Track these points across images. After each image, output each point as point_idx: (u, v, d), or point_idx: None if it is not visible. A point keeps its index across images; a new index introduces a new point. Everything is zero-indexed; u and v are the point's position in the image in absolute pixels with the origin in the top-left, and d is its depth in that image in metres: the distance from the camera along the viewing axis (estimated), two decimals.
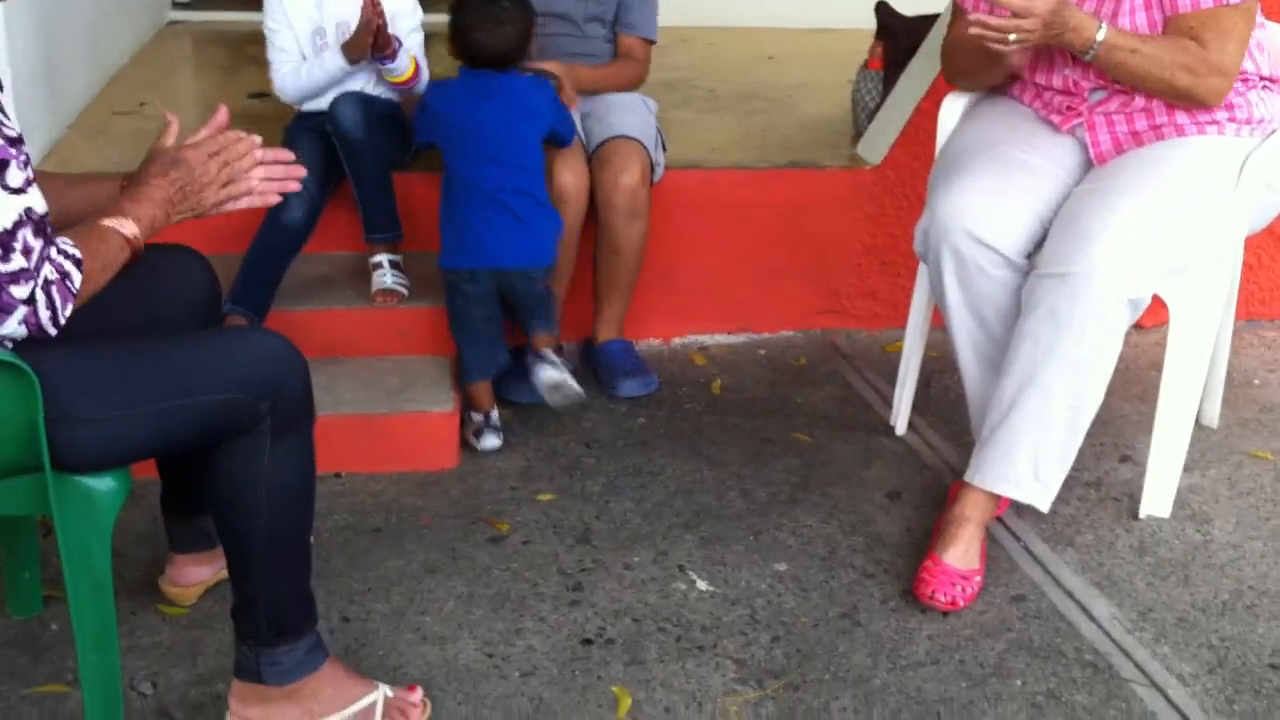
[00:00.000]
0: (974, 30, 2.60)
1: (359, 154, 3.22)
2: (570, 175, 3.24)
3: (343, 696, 2.21)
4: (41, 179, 2.01)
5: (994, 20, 2.57)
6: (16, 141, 1.89)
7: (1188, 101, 2.70)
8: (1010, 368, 2.62)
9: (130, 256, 1.98)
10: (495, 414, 3.17)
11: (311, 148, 3.23)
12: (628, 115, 3.41)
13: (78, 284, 1.88)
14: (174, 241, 2.41)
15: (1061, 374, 2.57)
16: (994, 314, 2.73)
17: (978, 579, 2.63)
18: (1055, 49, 2.77)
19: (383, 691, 2.24)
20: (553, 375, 3.12)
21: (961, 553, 2.62)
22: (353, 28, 3.24)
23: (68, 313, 1.88)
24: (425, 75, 3.36)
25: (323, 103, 3.29)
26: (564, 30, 3.47)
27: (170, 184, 2.04)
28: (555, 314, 3.23)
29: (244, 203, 2.14)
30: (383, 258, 3.30)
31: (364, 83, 3.33)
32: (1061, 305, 2.55)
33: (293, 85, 3.33)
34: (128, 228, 1.97)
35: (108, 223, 1.97)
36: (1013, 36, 2.57)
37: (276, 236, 3.21)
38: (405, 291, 3.28)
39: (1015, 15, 2.55)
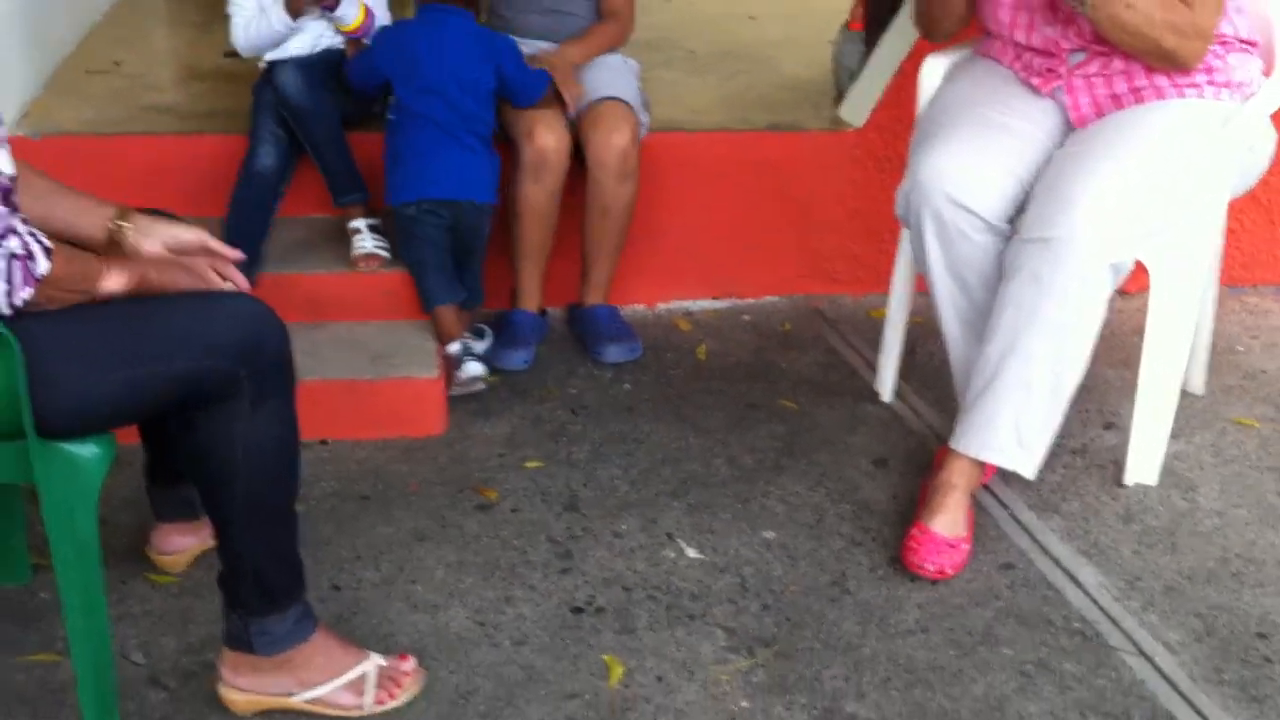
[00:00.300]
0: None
1: (307, 120, 3.21)
2: (552, 138, 3.22)
3: (334, 665, 2.20)
4: (31, 176, 2.00)
5: None
6: None
7: (1168, 64, 2.70)
8: (993, 334, 2.63)
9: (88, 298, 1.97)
10: (480, 347, 3.18)
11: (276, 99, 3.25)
12: (613, 76, 3.39)
13: (40, 271, 1.85)
14: (154, 205, 2.39)
15: (1044, 339, 2.57)
16: (976, 278, 2.73)
17: (965, 546, 2.64)
18: (1037, 7, 2.76)
19: (374, 660, 2.23)
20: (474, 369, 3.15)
21: (948, 520, 2.63)
22: None
23: (24, 296, 1.85)
24: (378, 22, 3.34)
25: (285, 53, 3.29)
26: None
27: (158, 272, 2.05)
28: (480, 286, 3.30)
29: None
30: (360, 222, 3.27)
31: (316, 37, 3.31)
32: (1043, 270, 2.55)
33: (244, 39, 3.33)
34: (113, 281, 1.98)
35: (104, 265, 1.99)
36: None
37: (252, 185, 3.23)
38: (386, 255, 3.25)
39: None
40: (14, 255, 1.82)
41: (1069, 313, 2.56)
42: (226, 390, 2.01)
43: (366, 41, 3.32)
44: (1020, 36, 2.84)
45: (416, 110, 3.14)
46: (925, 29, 3.06)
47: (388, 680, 2.23)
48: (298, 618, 2.18)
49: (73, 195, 2.14)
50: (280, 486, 2.14)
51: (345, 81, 3.31)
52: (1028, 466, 2.66)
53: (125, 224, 2.12)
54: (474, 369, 3.12)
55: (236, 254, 2.20)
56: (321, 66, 3.27)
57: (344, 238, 3.30)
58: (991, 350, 2.62)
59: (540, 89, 3.25)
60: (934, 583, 2.58)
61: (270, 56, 3.32)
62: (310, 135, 3.23)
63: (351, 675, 2.21)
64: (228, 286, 2.13)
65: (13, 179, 1.88)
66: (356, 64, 3.26)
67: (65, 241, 1.96)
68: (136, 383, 1.96)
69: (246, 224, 3.18)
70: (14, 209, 1.84)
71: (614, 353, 3.39)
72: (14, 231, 1.82)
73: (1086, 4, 2.61)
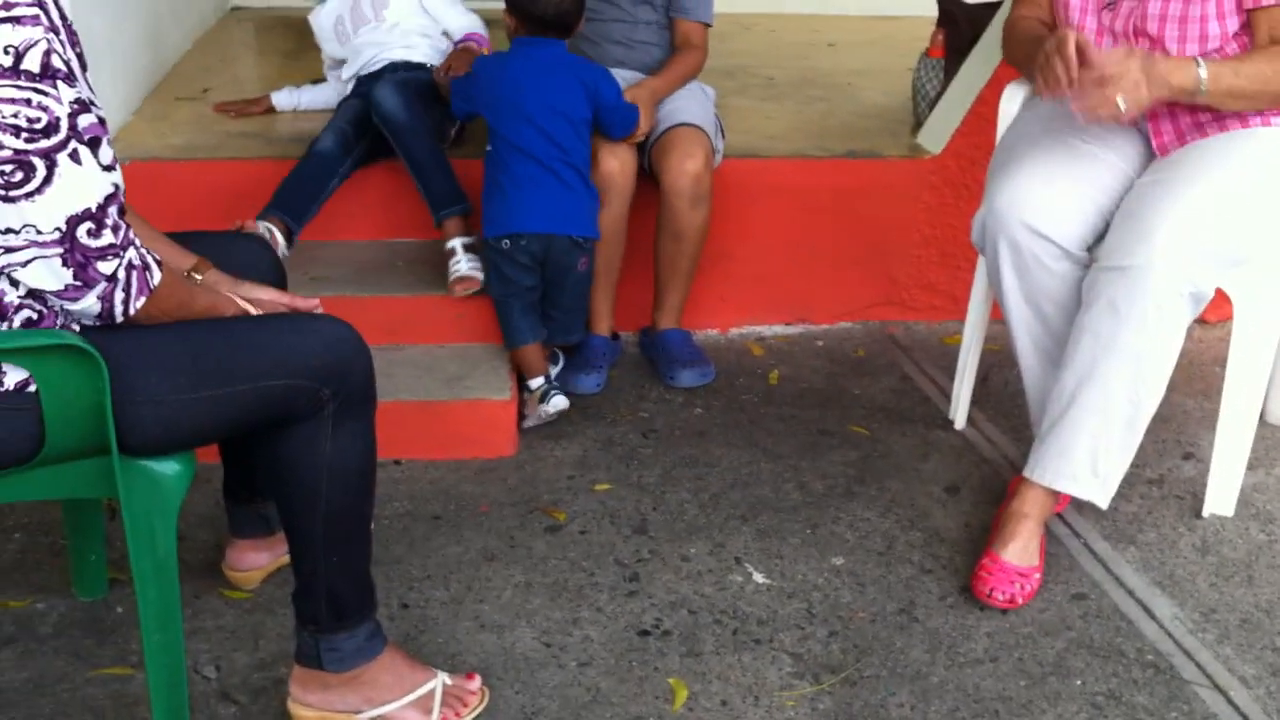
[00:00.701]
0: (1077, 112, 2.54)
1: (407, 134, 3.28)
2: (615, 161, 3.24)
3: (402, 683, 2.23)
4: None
5: (1094, 96, 2.49)
6: (104, 121, 1.93)
7: None
8: (1069, 361, 2.60)
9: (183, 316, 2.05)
10: (554, 371, 3.21)
11: (353, 106, 3.43)
12: (689, 102, 3.41)
13: (155, 280, 1.92)
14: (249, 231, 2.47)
15: (1121, 368, 2.54)
16: (1053, 308, 2.71)
17: (1036, 576, 2.61)
18: (1120, 35, 2.73)
19: (441, 679, 2.25)
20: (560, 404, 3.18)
21: (1020, 549, 2.61)
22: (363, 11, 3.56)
23: (139, 305, 1.91)
24: (480, 27, 3.61)
25: (364, 63, 3.53)
26: (615, 16, 3.47)
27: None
28: (578, 326, 3.32)
29: None
30: (456, 243, 3.27)
31: (406, 48, 3.51)
32: (1121, 297, 2.52)
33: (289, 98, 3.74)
34: (222, 285, 2.15)
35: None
36: (1121, 102, 2.47)
37: (310, 160, 3.35)
38: (481, 277, 3.22)
39: (1105, 80, 2.48)
40: (132, 265, 1.89)
41: (1146, 341, 2.53)
42: (311, 409, 2.05)
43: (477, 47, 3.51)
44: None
45: (513, 142, 3.12)
46: (1015, 65, 3.04)
47: (454, 699, 2.25)
48: (368, 635, 2.21)
49: (156, 237, 2.21)
50: (359, 506, 2.17)
51: (439, 100, 3.40)
52: (1102, 497, 2.63)
53: (199, 276, 2.19)
54: (560, 403, 3.14)
55: (313, 303, 2.25)
56: (415, 85, 3.36)
57: (424, 261, 3.36)
58: (1068, 378, 2.60)
59: (633, 122, 3.25)
60: (1004, 612, 2.56)
61: (349, 73, 3.52)
62: (409, 150, 3.29)
63: (418, 693, 2.23)
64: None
65: (124, 195, 1.95)
66: (457, 93, 3.26)
67: None
68: (223, 401, 2.00)
69: (295, 184, 3.30)
70: (129, 225, 1.91)
71: (686, 377, 3.40)
72: (132, 243, 1.90)
73: (1202, 93, 2.55)
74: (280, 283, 2.43)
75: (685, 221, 3.33)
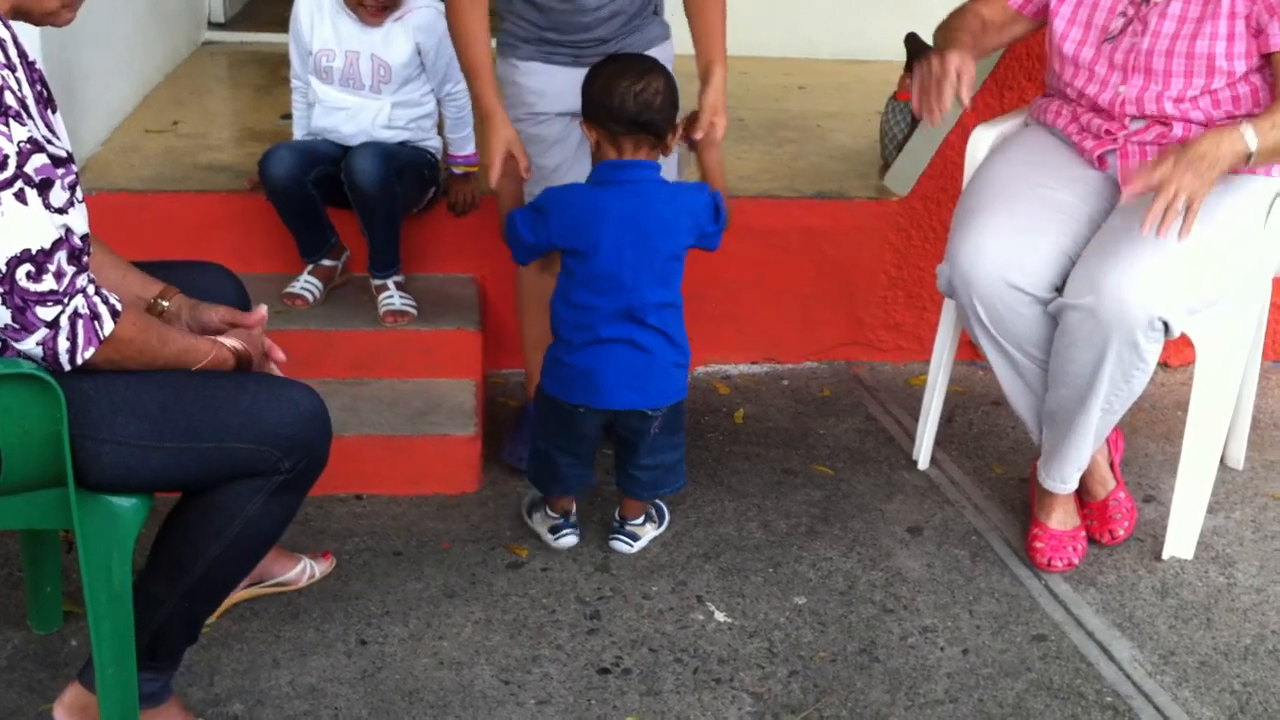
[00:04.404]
0: (1150, 230, 2.47)
1: (372, 207, 3.19)
2: None
3: None
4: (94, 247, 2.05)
5: (1158, 208, 2.44)
6: (64, 161, 1.92)
7: None
8: (1056, 391, 2.70)
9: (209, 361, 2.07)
10: (574, 511, 2.90)
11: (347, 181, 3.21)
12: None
13: (106, 330, 1.90)
14: (206, 260, 2.46)
15: (1099, 394, 2.63)
16: (1029, 345, 2.76)
17: (1083, 534, 2.87)
18: (1106, 70, 2.75)
19: None
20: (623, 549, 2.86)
21: (1063, 516, 2.86)
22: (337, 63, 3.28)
23: (88, 355, 1.89)
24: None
25: (332, 124, 3.30)
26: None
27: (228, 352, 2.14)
28: (667, 488, 2.86)
29: None
30: (388, 279, 3.32)
31: (385, 122, 3.28)
32: (1097, 335, 2.56)
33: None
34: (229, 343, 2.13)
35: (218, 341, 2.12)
36: (1181, 204, 2.43)
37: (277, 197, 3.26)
38: (414, 311, 3.28)
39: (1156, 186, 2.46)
40: (78, 314, 1.87)
41: (1120, 369, 2.59)
42: (261, 472, 2.06)
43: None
44: (1090, 89, 2.78)
45: (590, 300, 2.66)
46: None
47: None
48: (163, 685, 2.19)
49: (121, 266, 2.20)
50: (244, 568, 2.17)
51: (424, 178, 3.35)
52: (1075, 482, 2.86)
53: (165, 303, 2.18)
54: (568, 541, 2.84)
55: (260, 314, 2.24)
56: (400, 159, 3.22)
57: None
58: (1056, 405, 2.73)
59: (720, 236, 2.81)
60: (964, 653, 2.56)
61: (318, 125, 3.32)
62: (372, 220, 3.22)
63: None
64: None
65: (84, 238, 1.93)
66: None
67: None
68: (186, 454, 2.00)
69: (300, 222, 3.30)
70: (82, 269, 1.88)
71: None
72: (80, 291, 1.87)
73: (1252, 156, 2.50)
74: (244, 306, 2.42)
75: None
